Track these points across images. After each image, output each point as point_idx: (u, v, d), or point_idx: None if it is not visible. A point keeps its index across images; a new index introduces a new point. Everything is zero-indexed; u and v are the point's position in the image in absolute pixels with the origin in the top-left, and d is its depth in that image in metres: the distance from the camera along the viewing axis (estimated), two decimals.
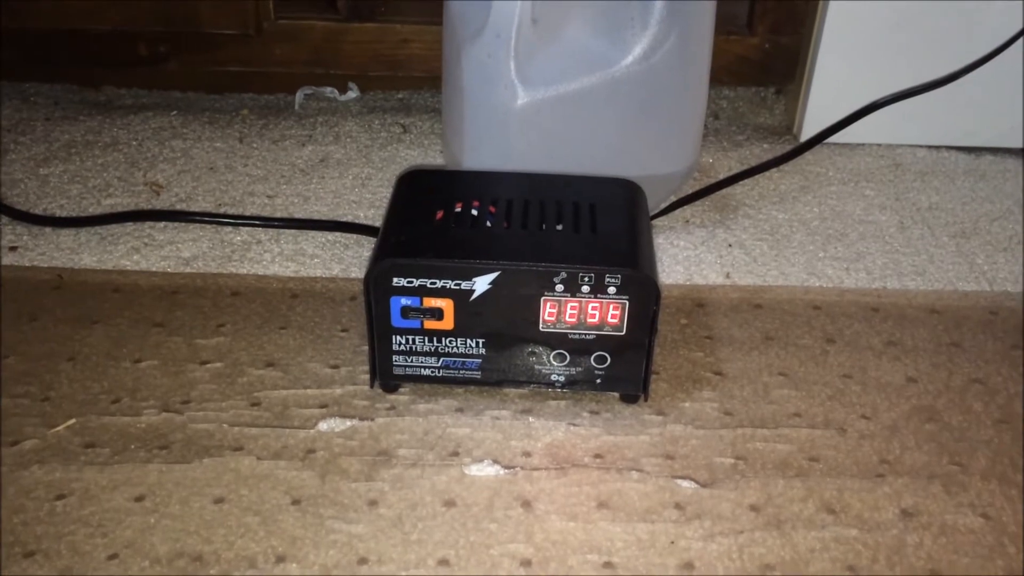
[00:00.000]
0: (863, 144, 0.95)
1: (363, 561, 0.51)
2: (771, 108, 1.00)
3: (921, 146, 0.94)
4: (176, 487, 0.55)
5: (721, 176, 0.85)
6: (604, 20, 0.71)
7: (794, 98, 0.96)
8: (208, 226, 0.80)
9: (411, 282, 0.57)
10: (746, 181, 0.87)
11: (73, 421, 0.59)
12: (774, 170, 0.88)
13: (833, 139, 0.91)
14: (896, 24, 0.88)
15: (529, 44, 0.70)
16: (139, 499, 0.54)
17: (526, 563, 0.51)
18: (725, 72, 0.99)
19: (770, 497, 0.55)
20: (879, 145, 0.94)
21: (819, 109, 0.92)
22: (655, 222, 0.81)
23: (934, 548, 0.52)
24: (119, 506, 0.53)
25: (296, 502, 0.54)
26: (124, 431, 0.59)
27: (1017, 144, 0.94)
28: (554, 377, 0.61)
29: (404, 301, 0.58)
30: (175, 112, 0.98)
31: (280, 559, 0.51)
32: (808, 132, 0.92)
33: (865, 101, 0.90)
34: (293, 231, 0.79)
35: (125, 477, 0.55)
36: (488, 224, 0.61)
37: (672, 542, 0.52)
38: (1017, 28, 0.85)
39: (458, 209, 0.61)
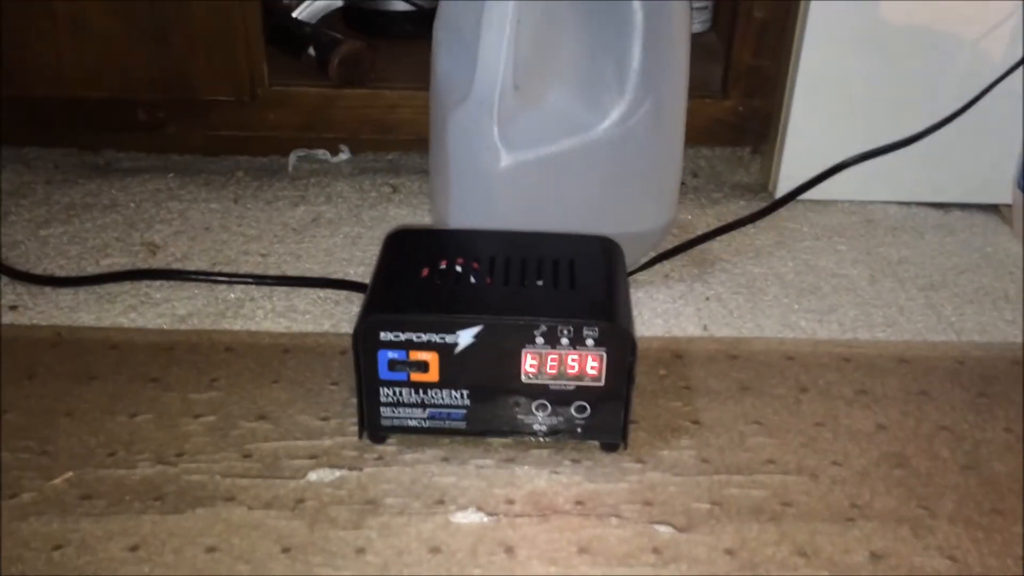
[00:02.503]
0: (836, 201, 0.98)
1: None
2: (747, 167, 1.04)
3: (892, 202, 0.98)
4: (170, 537, 0.56)
5: (699, 232, 0.89)
6: (583, 86, 0.75)
7: (769, 157, 1.00)
8: (203, 284, 0.82)
9: (398, 336, 0.59)
10: (723, 237, 0.90)
11: (70, 474, 0.61)
12: (750, 226, 0.92)
13: (807, 196, 0.95)
14: (865, 85, 0.92)
15: (511, 109, 0.74)
16: (134, 549, 0.56)
17: None
18: (703, 133, 1.03)
19: (745, 541, 0.57)
20: (851, 202, 0.98)
21: (793, 167, 0.96)
22: (635, 277, 0.83)
23: None
24: (114, 556, 0.55)
25: (286, 550, 0.56)
26: (120, 483, 0.60)
27: (985, 199, 0.97)
28: (536, 427, 0.63)
29: (391, 354, 0.60)
30: (172, 175, 1.01)
31: None
32: (783, 190, 0.96)
33: (837, 159, 0.94)
34: (285, 288, 0.82)
35: (120, 527, 0.57)
36: (472, 280, 0.63)
37: None
38: (980, 87, 0.89)
39: (443, 266, 0.64)
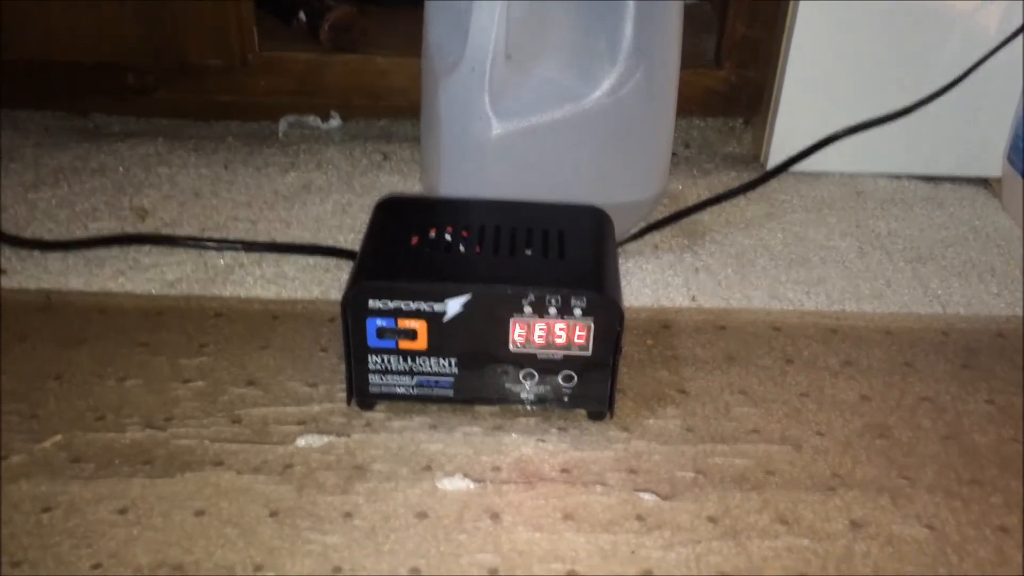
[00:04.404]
0: (827, 173, 0.98)
1: (338, 570, 0.53)
2: (739, 138, 1.04)
3: (882, 175, 0.98)
4: (158, 500, 0.57)
5: (690, 203, 0.89)
6: (574, 55, 0.75)
7: (760, 129, 1.00)
8: (192, 250, 0.82)
9: (386, 304, 0.60)
10: (713, 208, 0.90)
11: (59, 437, 0.61)
12: (741, 197, 0.92)
13: (799, 168, 0.95)
14: (857, 58, 0.92)
15: (503, 78, 0.73)
16: (122, 512, 0.56)
17: (493, 572, 0.53)
18: (695, 104, 1.03)
19: (727, 509, 0.58)
20: (842, 174, 0.98)
21: (784, 139, 0.96)
22: (625, 247, 0.84)
23: (880, 557, 0.55)
24: (103, 519, 0.56)
25: (274, 514, 0.56)
26: (109, 447, 0.61)
27: (974, 173, 0.98)
28: (524, 395, 0.63)
29: (379, 322, 0.60)
30: (162, 139, 1.00)
31: (258, 568, 0.53)
32: (774, 161, 0.96)
33: (829, 131, 0.94)
34: (275, 255, 0.82)
35: (109, 491, 0.57)
36: (461, 249, 0.63)
37: (633, 552, 0.55)
38: (972, 61, 0.89)
39: (432, 234, 0.64)
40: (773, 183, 0.95)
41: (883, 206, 0.93)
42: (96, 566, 0.53)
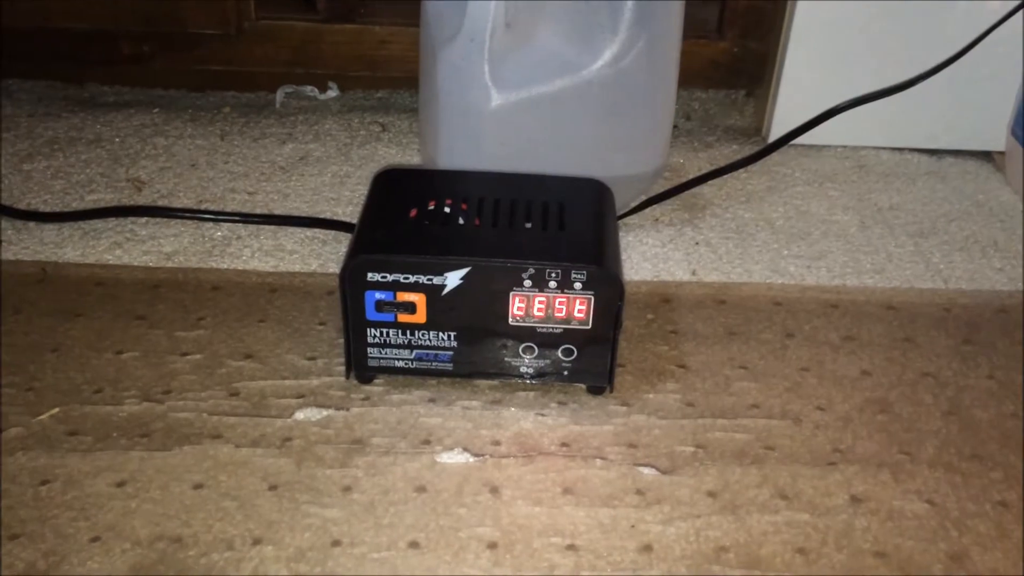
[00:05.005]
0: (829, 146, 0.97)
1: (336, 543, 0.53)
2: (741, 110, 1.03)
3: (885, 148, 0.97)
4: (156, 473, 0.57)
5: (691, 176, 0.88)
6: (575, 25, 0.74)
7: (763, 101, 0.99)
8: (189, 222, 0.82)
9: (385, 277, 0.59)
10: (714, 181, 0.89)
11: (57, 410, 0.61)
12: (742, 171, 0.91)
13: (800, 141, 0.94)
14: (862, 28, 0.91)
15: (502, 48, 0.72)
16: (120, 484, 0.56)
17: (492, 545, 0.53)
18: (697, 75, 1.02)
19: (727, 484, 0.58)
20: (844, 147, 0.97)
21: (787, 111, 0.95)
22: (625, 220, 0.83)
23: (880, 532, 0.55)
24: (101, 491, 0.55)
25: (273, 487, 0.56)
26: (106, 420, 0.61)
27: (977, 146, 0.97)
28: (523, 369, 0.63)
29: (378, 295, 0.60)
30: (157, 110, 0.99)
31: (257, 541, 0.53)
32: (776, 134, 0.95)
33: (831, 104, 0.92)
34: (272, 227, 0.81)
35: (107, 463, 0.57)
36: (460, 222, 0.63)
37: (632, 526, 0.55)
38: (976, 33, 0.88)
39: (431, 207, 0.64)
40: (775, 156, 0.94)
41: (885, 179, 0.93)
42: (94, 539, 0.52)
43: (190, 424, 0.60)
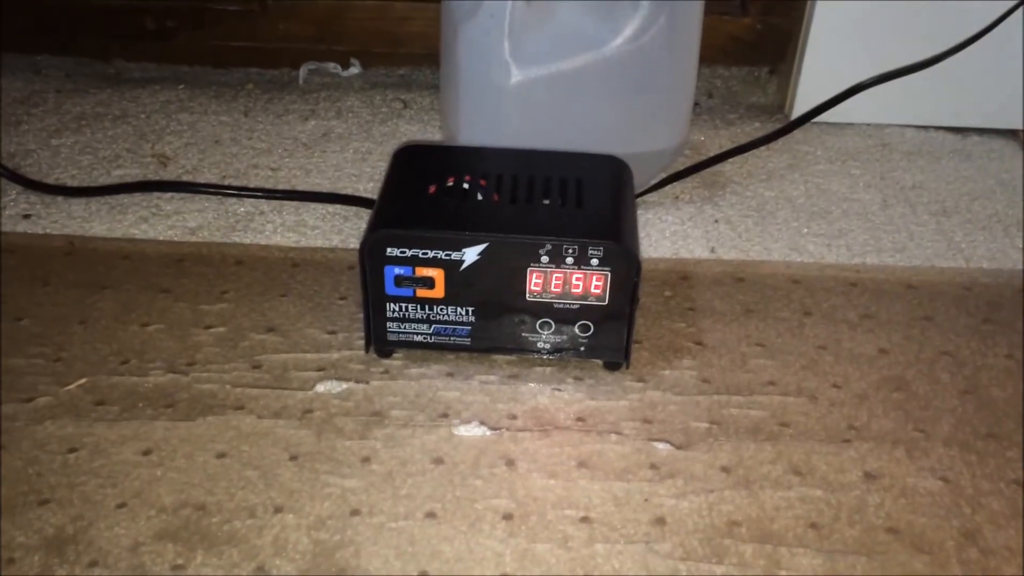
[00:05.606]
0: (852, 124, 0.97)
1: (355, 513, 0.54)
2: (764, 87, 1.02)
3: (909, 126, 0.97)
4: (181, 442, 0.58)
5: (711, 153, 0.88)
6: (596, 1, 0.74)
7: (786, 78, 0.98)
8: (213, 197, 0.83)
9: (404, 252, 0.60)
10: (735, 159, 0.89)
11: (84, 380, 0.63)
12: (763, 148, 0.91)
13: (824, 119, 0.93)
14: (886, 5, 0.90)
15: (523, 24, 0.72)
16: (146, 453, 0.57)
17: (508, 517, 0.54)
18: (719, 52, 1.01)
19: (741, 459, 0.58)
20: (868, 125, 0.97)
21: (810, 88, 0.94)
22: (645, 197, 0.83)
23: (894, 508, 0.55)
24: (127, 459, 0.57)
25: (294, 458, 0.57)
26: (132, 390, 0.62)
27: (1004, 125, 0.96)
28: (540, 344, 0.64)
29: (397, 270, 0.61)
30: (182, 86, 1.00)
31: (278, 510, 0.54)
32: (799, 111, 0.94)
33: (855, 81, 0.92)
34: (295, 203, 0.82)
35: (133, 433, 0.59)
36: (479, 197, 0.63)
37: (646, 499, 0.55)
38: (1002, 9, 0.86)
39: (450, 183, 0.64)
40: (797, 134, 0.94)
41: (909, 158, 0.92)
42: (121, 505, 0.54)
43: (213, 395, 0.62)
